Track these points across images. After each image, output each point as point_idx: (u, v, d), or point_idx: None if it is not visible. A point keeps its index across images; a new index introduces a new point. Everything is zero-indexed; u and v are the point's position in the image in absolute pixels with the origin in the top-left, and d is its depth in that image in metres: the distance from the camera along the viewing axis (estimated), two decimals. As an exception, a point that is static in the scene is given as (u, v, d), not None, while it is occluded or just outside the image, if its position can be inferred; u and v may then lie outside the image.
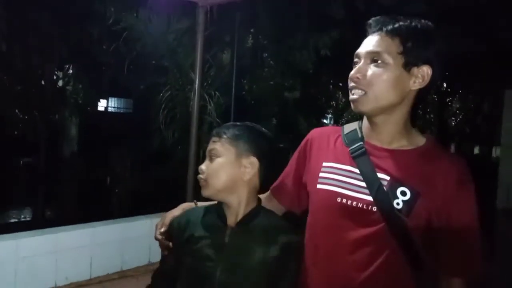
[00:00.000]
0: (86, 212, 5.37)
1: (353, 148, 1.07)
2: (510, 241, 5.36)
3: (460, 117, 16.68)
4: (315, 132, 1.20)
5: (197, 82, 3.63)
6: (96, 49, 5.46)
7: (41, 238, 3.05)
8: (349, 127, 1.15)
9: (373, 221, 0.99)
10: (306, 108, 7.36)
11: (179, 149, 4.48)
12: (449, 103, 15.49)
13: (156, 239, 1.14)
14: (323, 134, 1.17)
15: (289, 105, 6.68)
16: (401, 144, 1.06)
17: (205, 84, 4.22)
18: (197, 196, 1.25)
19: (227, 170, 1.06)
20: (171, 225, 1.13)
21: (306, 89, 7.68)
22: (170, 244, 1.11)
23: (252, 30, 6.34)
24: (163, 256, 1.15)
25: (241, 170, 1.07)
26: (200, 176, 1.07)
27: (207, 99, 4.12)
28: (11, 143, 6.33)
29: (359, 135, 1.10)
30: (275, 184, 1.25)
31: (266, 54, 6.87)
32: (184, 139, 4.19)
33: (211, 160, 1.07)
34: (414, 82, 1.02)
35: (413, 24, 1.03)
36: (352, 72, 1.02)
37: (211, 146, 1.08)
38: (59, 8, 5.05)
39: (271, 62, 6.95)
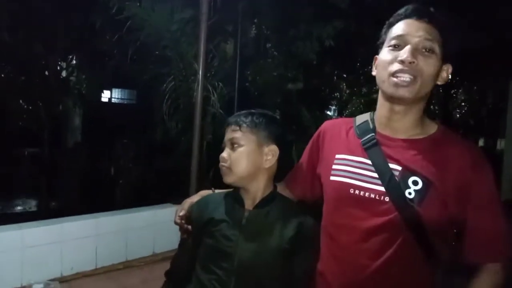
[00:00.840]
0: (91, 202, 5.41)
1: (365, 140, 1.09)
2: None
3: (465, 109, 16.58)
4: (327, 124, 1.23)
5: (200, 73, 3.62)
6: (99, 40, 5.44)
7: (46, 228, 3.08)
8: (361, 118, 1.17)
9: (385, 211, 1.01)
10: (309, 100, 7.34)
11: (182, 140, 4.47)
12: (454, 95, 15.38)
13: (176, 223, 1.21)
14: (335, 126, 1.20)
15: (292, 97, 6.65)
16: (415, 132, 1.07)
17: (208, 74, 4.20)
18: (200, 186, 1.30)
19: (250, 158, 1.10)
20: (190, 209, 1.20)
21: (310, 80, 7.64)
22: (189, 227, 1.18)
23: (255, 20, 6.29)
24: (182, 240, 1.22)
25: (263, 158, 1.12)
26: (223, 164, 1.11)
27: (211, 90, 4.11)
28: (15, 134, 6.35)
29: (371, 126, 1.12)
30: (289, 174, 1.29)
31: (270, 45, 6.82)
32: (188, 130, 4.19)
33: (233, 148, 1.11)
34: (441, 77, 1.06)
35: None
36: (406, 56, 0.99)
37: (231, 134, 1.11)
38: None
39: (275, 53, 6.92)
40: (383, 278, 1.01)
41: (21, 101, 5.93)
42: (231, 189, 1.20)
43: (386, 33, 1.09)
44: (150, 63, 4.52)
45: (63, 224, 3.16)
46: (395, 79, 1.01)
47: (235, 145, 1.11)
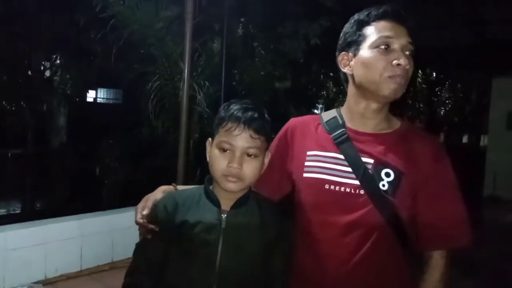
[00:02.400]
0: (76, 203, 5.33)
1: (336, 135, 1.11)
2: (496, 227, 5.46)
3: (449, 106, 16.82)
4: (294, 122, 1.23)
5: (186, 72, 3.59)
6: (83, 38, 5.36)
7: (29, 230, 3.03)
8: (327, 115, 1.19)
9: (361, 204, 1.03)
10: (296, 98, 7.36)
11: (169, 139, 4.44)
12: (438, 93, 15.60)
13: (138, 223, 1.10)
14: (304, 123, 1.20)
15: (280, 95, 6.66)
16: (382, 127, 1.11)
17: (194, 73, 4.18)
18: (187, 185, 1.23)
19: (260, 169, 1.06)
20: (155, 208, 1.09)
21: (297, 79, 7.66)
22: (154, 227, 1.06)
23: (242, 19, 6.28)
24: (145, 241, 1.09)
25: (264, 165, 1.08)
26: (235, 176, 1.02)
27: (197, 89, 4.08)
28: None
29: (340, 121, 1.13)
30: None
31: (257, 43, 6.82)
32: (174, 129, 4.16)
33: (251, 157, 1.02)
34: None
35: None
36: (402, 61, 1.03)
37: (249, 143, 1.01)
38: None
39: (261, 51, 6.92)
40: (364, 270, 1.03)
41: (3, 101, 5.80)
42: (196, 186, 1.13)
43: (359, 30, 1.09)
44: (135, 62, 4.47)
45: (47, 225, 3.12)
46: (396, 83, 1.04)
47: (252, 155, 1.02)
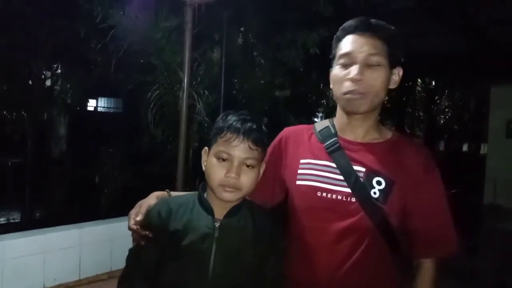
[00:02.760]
0: (76, 212, 5.33)
1: (328, 144, 1.13)
2: (495, 235, 5.45)
3: (449, 114, 16.87)
4: (287, 131, 1.26)
5: (185, 81, 3.62)
6: (84, 48, 5.41)
7: (28, 239, 3.03)
8: (320, 125, 1.21)
9: (352, 212, 1.06)
10: (296, 107, 7.39)
11: (168, 148, 4.46)
12: (438, 101, 15.65)
13: (131, 229, 1.09)
14: (297, 132, 1.23)
15: (279, 104, 6.69)
16: (373, 137, 1.14)
17: (194, 83, 4.21)
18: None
19: (257, 180, 1.07)
20: (148, 214, 1.08)
21: (297, 87, 7.70)
22: (147, 233, 1.06)
23: (242, 28, 6.34)
24: (138, 247, 1.08)
25: (260, 175, 1.09)
26: (233, 185, 1.02)
27: (196, 98, 4.11)
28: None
29: (332, 131, 1.15)
30: None
31: (256, 53, 6.87)
32: (174, 138, 4.18)
33: (249, 168, 1.03)
34: (393, 81, 1.12)
35: (390, 26, 1.10)
36: (353, 75, 1.05)
37: (247, 154, 1.02)
38: (45, 7, 5.00)
39: (261, 60, 6.97)
40: (356, 275, 1.05)
41: (4, 110, 5.84)
42: (191, 193, 1.13)
43: (335, 47, 1.13)
44: (135, 71, 4.51)
45: (46, 234, 3.12)
46: (350, 96, 1.07)
47: (249, 166, 1.03)
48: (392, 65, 1.09)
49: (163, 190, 1.24)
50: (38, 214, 6.15)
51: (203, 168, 1.08)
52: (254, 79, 6.42)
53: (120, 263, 3.61)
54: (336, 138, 1.14)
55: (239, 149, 1.01)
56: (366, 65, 1.05)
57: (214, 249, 1.03)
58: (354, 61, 1.06)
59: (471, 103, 15.27)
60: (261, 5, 5.35)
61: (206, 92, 4.31)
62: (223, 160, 1.02)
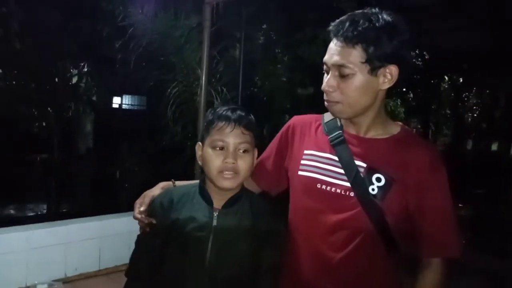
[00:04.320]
0: (99, 206, 5.49)
1: (332, 137, 1.13)
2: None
3: (477, 112, 16.35)
4: (297, 119, 1.26)
5: (203, 79, 3.68)
6: (107, 47, 5.56)
7: (51, 230, 3.15)
8: (329, 116, 1.21)
9: (350, 206, 1.06)
10: (318, 104, 7.35)
11: (188, 145, 4.53)
12: (465, 98, 15.20)
13: (135, 217, 1.15)
14: (305, 122, 1.23)
15: (301, 102, 6.66)
16: (377, 133, 1.12)
17: (213, 80, 4.26)
18: None
19: (252, 164, 1.12)
20: (152, 204, 1.15)
21: (318, 85, 7.66)
22: (153, 220, 1.12)
23: (264, 26, 6.35)
24: (144, 234, 1.15)
25: (254, 162, 1.14)
26: (231, 170, 1.06)
27: (214, 95, 4.16)
28: (27, 140, 6.50)
29: (338, 123, 1.15)
30: (259, 165, 1.29)
31: (278, 50, 6.86)
32: (193, 135, 4.25)
33: (244, 153, 1.08)
34: (384, 82, 1.08)
35: (374, 24, 1.03)
36: (323, 85, 1.08)
37: (241, 139, 1.07)
38: (68, 6, 5.17)
39: (284, 58, 6.96)
40: (348, 268, 1.06)
41: (32, 108, 6.07)
42: (192, 182, 1.18)
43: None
44: (155, 69, 4.60)
45: (67, 226, 3.23)
46: (326, 104, 1.11)
47: (245, 151, 1.07)
48: (375, 69, 1.04)
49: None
50: (63, 207, 6.38)
51: (199, 162, 1.12)
52: (274, 76, 6.42)
53: (137, 255, 3.67)
54: (340, 132, 1.14)
55: (233, 135, 1.06)
56: (337, 74, 1.05)
57: (212, 238, 1.07)
58: (327, 70, 1.08)
59: (501, 101, 14.74)
60: (280, 1, 5.34)
61: (224, 90, 4.35)
62: (219, 149, 1.07)
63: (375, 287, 1.09)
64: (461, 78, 13.52)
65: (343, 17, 1.08)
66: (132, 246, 3.71)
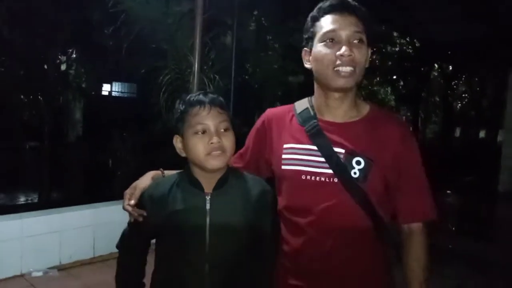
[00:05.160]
0: (91, 193, 5.49)
1: (308, 127, 1.15)
2: (509, 224, 5.40)
3: (466, 100, 16.55)
4: (269, 113, 1.30)
5: (196, 66, 3.65)
6: (97, 33, 5.49)
7: (45, 217, 3.16)
8: (300, 106, 1.24)
9: (335, 191, 1.11)
10: (310, 92, 7.36)
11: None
12: (455, 86, 15.35)
13: (126, 209, 1.15)
14: (279, 115, 1.27)
15: (293, 89, 6.67)
16: (351, 115, 1.17)
17: (205, 67, 4.24)
18: None
19: (235, 141, 1.13)
20: (141, 198, 1.15)
21: (310, 72, 7.66)
22: (144, 212, 1.13)
23: (255, 12, 6.31)
24: (134, 224, 1.15)
25: (234, 140, 1.14)
26: (219, 149, 1.08)
27: (207, 83, 4.14)
28: (16, 127, 6.43)
29: (311, 113, 1.18)
30: (233, 159, 1.30)
31: (270, 37, 6.83)
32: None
33: (226, 131, 1.10)
34: (368, 60, 1.15)
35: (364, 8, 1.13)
36: (343, 50, 1.08)
37: (219, 118, 1.09)
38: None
39: (275, 45, 6.93)
40: (340, 252, 1.11)
41: (21, 95, 5.99)
42: (177, 172, 1.18)
43: (312, 27, 1.14)
44: (147, 56, 4.56)
45: (62, 214, 3.25)
46: (342, 71, 1.09)
47: (226, 130, 1.09)
48: (370, 44, 1.13)
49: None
50: (54, 195, 6.35)
51: (182, 154, 1.12)
52: (266, 64, 6.40)
53: (132, 243, 3.69)
54: (315, 121, 1.17)
55: (211, 116, 1.08)
56: (352, 43, 1.09)
57: (208, 221, 1.09)
58: (339, 39, 1.09)
59: (489, 89, 14.91)
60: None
61: (217, 77, 4.34)
62: (201, 133, 1.08)
63: (367, 269, 1.13)
64: (450, 66, 13.63)
65: None
66: (127, 234, 3.70)
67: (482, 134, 16.48)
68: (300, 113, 1.22)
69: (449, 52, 11.00)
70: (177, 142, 1.14)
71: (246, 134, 1.37)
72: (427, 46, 10.38)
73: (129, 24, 4.07)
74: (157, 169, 1.24)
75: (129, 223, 1.19)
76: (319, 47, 1.11)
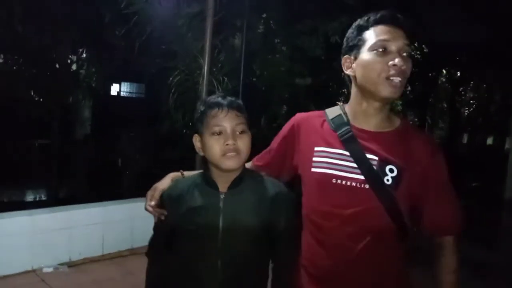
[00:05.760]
0: (99, 191, 5.54)
1: (341, 132, 1.18)
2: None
3: (473, 106, 16.44)
4: (299, 117, 1.31)
5: (205, 68, 3.69)
6: (108, 34, 5.54)
7: (55, 214, 3.21)
8: (332, 112, 1.26)
9: (365, 197, 1.12)
10: (317, 95, 7.37)
11: (188, 133, 4.57)
12: (462, 92, 15.27)
13: (147, 210, 1.21)
14: (309, 119, 1.29)
15: (300, 92, 6.69)
16: (384, 125, 1.20)
17: (214, 69, 4.28)
18: None
19: (250, 144, 1.17)
20: (162, 198, 1.21)
21: (318, 75, 7.66)
22: (164, 212, 1.19)
23: (264, 15, 6.33)
24: (157, 222, 1.22)
25: (250, 142, 1.18)
26: (234, 150, 1.12)
27: (215, 85, 4.18)
28: (27, 125, 6.50)
29: (345, 119, 1.20)
30: (257, 158, 1.36)
31: (278, 40, 6.85)
32: (193, 123, 4.29)
33: (242, 134, 1.14)
34: None
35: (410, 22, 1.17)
36: (397, 61, 1.11)
37: (236, 120, 1.13)
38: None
39: (283, 48, 6.95)
40: (366, 258, 1.12)
41: (32, 93, 6.06)
42: (197, 173, 1.23)
43: (359, 35, 1.17)
44: (157, 57, 4.61)
45: (71, 211, 3.29)
46: (390, 80, 1.12)
47: (242, 132, 1.13)
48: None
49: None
50: (63, 193, 6.41)
51: (200, 152, 1.17)
52: (274, 66, 6.43)
53: (140, 241, 3.79)
54: (349, 127, 1.18)
55: (228, 118, 1.12)
56: (402, 55, 1.12)
57: (221, 219, 1.13)
58: (391, 49, 1.12)
59: (497, 95, 14.81)
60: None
61: (226, 79, 4.38)
62: (218, 134, 1.13)
63: (390, 275, 1.15)
64: (458, 72, 13.57)
65: (387, 10, 1.16)
66: (135, 231, 3.78)
67: (489, 141, 16.36)
68: (332, 118, 1.24)
69: (457, 58, 10.97)
70: (196, 141, 1.19)
71: (253, 135, 1.41)
72: (435, 52, 10.36)
73: (140, 25, 4.13)
74: (177, 170, 1.30)
75: (154, 228, 1.25)
76: (369, 55, 1.13)
